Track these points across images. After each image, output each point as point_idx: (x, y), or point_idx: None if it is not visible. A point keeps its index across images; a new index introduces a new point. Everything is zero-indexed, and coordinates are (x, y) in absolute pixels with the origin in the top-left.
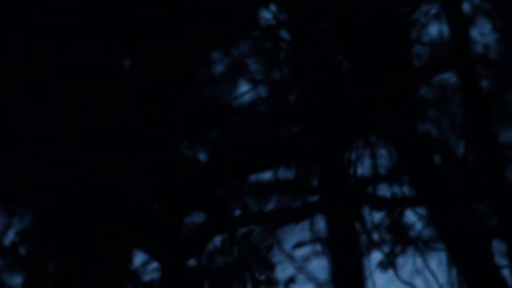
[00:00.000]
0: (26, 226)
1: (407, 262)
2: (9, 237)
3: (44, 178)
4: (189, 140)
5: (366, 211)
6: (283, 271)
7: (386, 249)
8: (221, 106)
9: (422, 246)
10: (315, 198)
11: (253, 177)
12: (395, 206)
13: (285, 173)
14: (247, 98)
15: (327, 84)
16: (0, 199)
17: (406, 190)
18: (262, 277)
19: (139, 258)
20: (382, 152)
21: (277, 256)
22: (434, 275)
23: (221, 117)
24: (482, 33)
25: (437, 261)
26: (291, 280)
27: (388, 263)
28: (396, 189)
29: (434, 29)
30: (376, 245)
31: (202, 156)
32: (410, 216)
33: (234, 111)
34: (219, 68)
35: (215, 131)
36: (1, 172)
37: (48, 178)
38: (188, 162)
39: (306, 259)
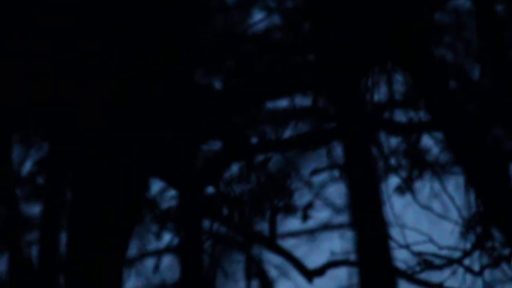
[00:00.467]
0: (43, 156)
1: (425, 186)
2: (26, 167)
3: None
4: (204, 68)
5: (383, 137)
6: (301, 198)
7: (403, 174)
8: (235, 35)
9: (439, 170)
10: (332, 124)
11: (269, 105)
12: (411, 131)
13: (301, 101)
14: (261, 26)
15: (342, 11)
16: (16, 129)
17: (422, 115)
18: (281, 204)
19: (156, 186)
20: (398, 78)
21: (295, 183)
22: (451, 199)
23: (235, 46)
24: None
25: (455, 184)
26: (309, 206)
27: (406, 188)
28: (412, 114)
29: None
30: (393, 170)
31: (217, 84)
32: (426, 140)
33: (248, 40)
34: None
35: (229, 59)
36: (16, 101)
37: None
38: (203, 90)
39: (323, 185)
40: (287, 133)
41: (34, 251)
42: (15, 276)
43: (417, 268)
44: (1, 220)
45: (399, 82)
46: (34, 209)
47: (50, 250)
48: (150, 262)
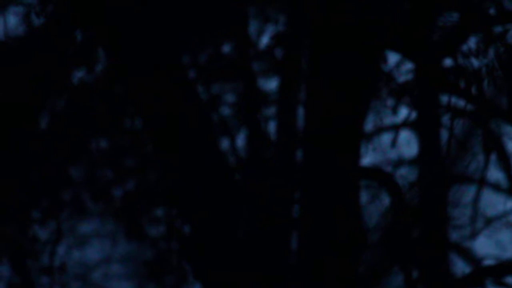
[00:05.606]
0: (280, 29)
1: None
2: (264, 41)
3: None
4: None
5: None
6: None
7: None
8: None
9: None
10: None
11: None
12: None
13: None
14: None
15: None
16: (252, 4)
17: None
18: None
19: (392, 58)
20: None
21: None
22: None
23: None
24: None
25: None
26: None
27: None
28: None
29: None
30: None
31: None
32: None
33: None
34: None
35: None
36: None
37: None
38: None
39: None
40: None
41: (272, 126)
42: (253, 151)
43: None
44: (239, 95)
45: None
46: (271, 84)
47: (287, 124)
48: (387, 137)
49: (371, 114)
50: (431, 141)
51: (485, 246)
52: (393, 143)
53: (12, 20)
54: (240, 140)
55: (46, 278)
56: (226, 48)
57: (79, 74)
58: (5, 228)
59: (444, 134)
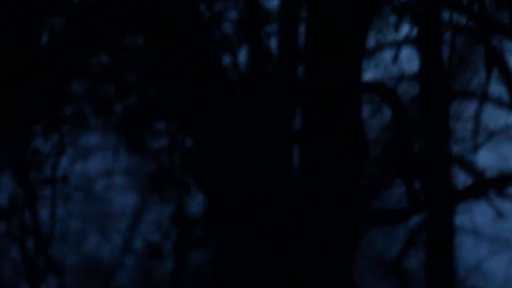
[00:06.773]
0: None
1: None
2: None
3: None
4: None
5: None
6: None
7: None
8: None
9: None
10: None
11: None
12: None
13: None
14: None
15: None
16: None
17: None
18: None
19: None
20: None
21: None
22: None
23: None
24: None
25: None
26: None
27: None
28: None
29: None
30: None
31: None
32: None
33: None
34: None
35: None
36: None
37: None
38: None
39: None
40: None
41: (273, 43)
42: (255, 67)
43: None
44: (241, 12)
45: None
46: (273, 1)
47: (289, 41)
48: (388, 54)
49: (373, 30)
50: (432, 58)
51: (487, 159)
52: (394, 59)
53: None
54: (242, 57)
55: (49, 189)
56: None
57: None
58: (8, 141)
59: (446, 51)
